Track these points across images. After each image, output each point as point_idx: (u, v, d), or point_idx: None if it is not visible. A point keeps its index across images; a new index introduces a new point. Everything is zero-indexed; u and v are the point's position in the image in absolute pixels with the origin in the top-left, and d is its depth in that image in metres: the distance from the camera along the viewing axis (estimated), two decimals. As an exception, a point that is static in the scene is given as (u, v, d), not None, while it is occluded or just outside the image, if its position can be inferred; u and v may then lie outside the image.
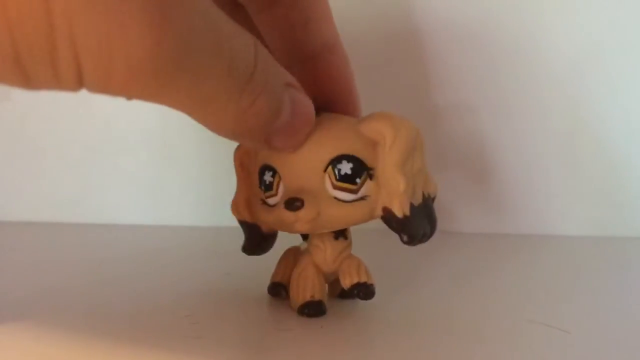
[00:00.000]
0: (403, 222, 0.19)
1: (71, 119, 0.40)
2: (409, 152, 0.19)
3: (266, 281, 0.23)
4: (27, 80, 0.12)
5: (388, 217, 0.19)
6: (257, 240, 0.22)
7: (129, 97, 0.13)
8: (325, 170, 0.19)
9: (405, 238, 0.19)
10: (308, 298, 0.21)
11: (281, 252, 0.23)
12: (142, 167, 0.40)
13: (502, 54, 0.36)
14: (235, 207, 0.22)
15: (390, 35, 0.36)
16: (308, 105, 0.18)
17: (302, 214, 0.18)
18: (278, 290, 0.22)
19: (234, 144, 0.21)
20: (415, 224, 0.19)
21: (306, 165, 0.19)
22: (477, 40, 0.36)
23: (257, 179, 0.21)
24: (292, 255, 0.23)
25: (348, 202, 0.19)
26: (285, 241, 0.23)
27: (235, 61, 0.15)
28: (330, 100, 0.21)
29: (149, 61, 0.12)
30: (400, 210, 0.19)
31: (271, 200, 0.20)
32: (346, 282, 0.20)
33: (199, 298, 0.23)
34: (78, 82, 0.12)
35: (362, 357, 0.18)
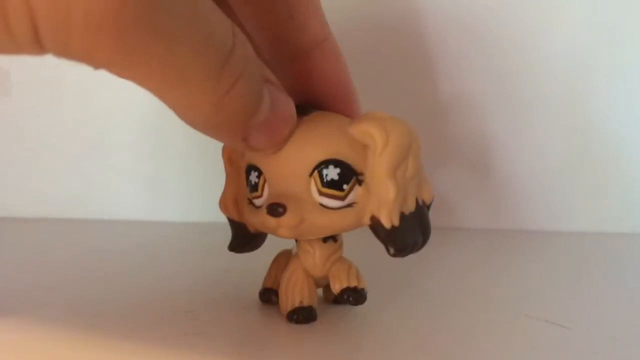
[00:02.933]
0: (390, 233, 0.18)
1: (70, 116, 0.40)
2: (400, 158, 0.18)
3: None
4: None
5: (376, 227, 0.18)
6: (243, 239, 0.21)
7: (95, 64, 0.12)
8: (311, 175, 0.18)
9: (392, 251, 0.18)
10: (297, 304, 0.20)
11: (276, 253, 0.22)
12: (141, 163, 0.40)
13: (504, 49, 0.35)
14: (223, 204, 0.21)
15: (392, 31, 0.36)
16: (288, 104, 0.17)
17: (285, 220, 0.17)
18: (268, 296, 0.22)
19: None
20: (405, 235, 0.18)
21: (291, 168, 0.18)
22: (480, 35, 0.35)
23: (244, 178, 0.20)
24: (284, 260, 0.22)
25: (334, 209, 0.18)
26: (279, 243, 0.22)
27: (213, 35, 0.13)
28: (324, 99, 0.20)
29: (111, 17, 0.11)
30: (388, 220, 0.17)
31: (257, 202, 0.19)
32: (335, 287, 0.20)
33: (199, 294, 0.23)
34: (36, 41, 0.11)
35: (363, 351, 0.18)
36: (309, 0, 0.19)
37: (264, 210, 0.18)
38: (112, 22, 0.11)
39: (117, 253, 0.31)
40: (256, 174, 0.19)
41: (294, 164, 0.18)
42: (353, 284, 0.19)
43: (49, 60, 0.13)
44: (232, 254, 0.21)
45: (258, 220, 0.19)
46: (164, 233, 0.37)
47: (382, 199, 0.18)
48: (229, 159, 0.21)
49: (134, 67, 0.12)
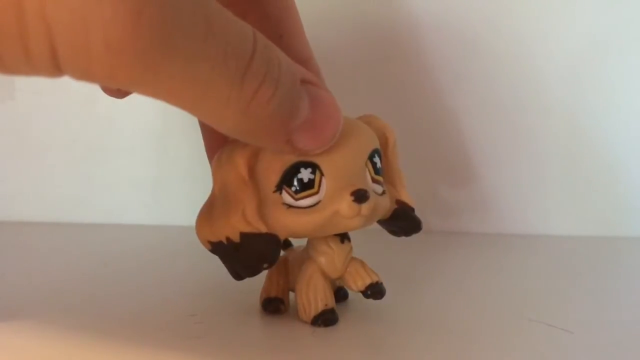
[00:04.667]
0: (413, 210, 0.21)
1: (73, 120, 0.40)
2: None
3: None
4: (1, 64, 0.11)
5: (402, 209, 0.21)
6: (278, 252, 0.19)
7: (116, 84, 0.12)
8: (366, 164, 0.19)
9: (421, 223, 0.21)
10: (322, 308, 0.20)
11: None
12: (145, 167, 0.40)
13: (499, 56, 0.36)
14: (240, 220, 0.18)
15: (391, 43, 0.36)
16: (329, 100, 0.17)
17: (366, 207, 0.18)
18: (275, 305, 0.21)
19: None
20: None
21: (352, 158, 0.18)
22: (474, 42, 0.36)
23: (269, 183, 0.18)
24: (282, 266, 0.21)
25: (381, 195, 0.19)
26: None
27: (232, 46, 0.13)
28: None
29: (129, 39, 0.11)
30: (410, 200, 0.21)
31: (306, 201, 0.18)
32: (358, 285, 0.20)
33: (203, 298, 0.23)
34: (54, 65, 0.11)
35: (368, 357, 0.18)
36: (295, 23, 0.20)
37: (342, 199, 0.18)
38: (131, 44, 0.11)
39: (121, 257, 0.31)
40: (309, 170, 0.18)
41: (355, 155, 0.19)
42: (375, 279, 0.20)
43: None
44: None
45: (318, 217, 0.18)
46: (167, 236, 0.37)
47: (400, 185, 0.21)
48: (248, 165, 0.18)
49: (155, 85, 0.13)
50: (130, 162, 0.40)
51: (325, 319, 0.20)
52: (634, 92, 0.35)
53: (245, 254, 0.18)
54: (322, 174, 0.18)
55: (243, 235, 0.18)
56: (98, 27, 0.11)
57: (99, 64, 0.11)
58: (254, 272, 0.19)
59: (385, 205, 0.20)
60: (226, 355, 0.18)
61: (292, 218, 0.18)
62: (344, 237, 0.20)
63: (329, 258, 0.20)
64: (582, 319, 0.21)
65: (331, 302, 0.20)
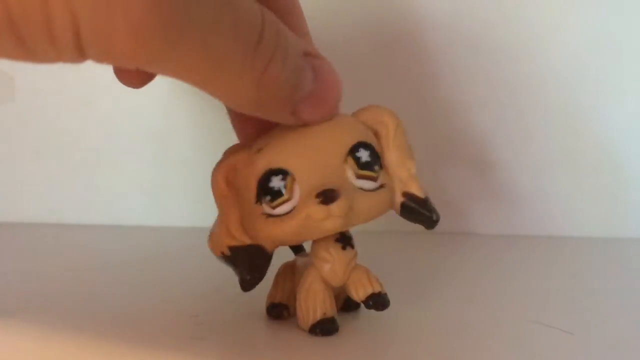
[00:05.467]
0: (425, 202, 0.19)
1: (74, 121, 0.40)
2: (407, 139, 0.19)
3: (271, 284, 0.22)
4: (24, 47, 0.11)
5: (410, 202, 0.19)
6: (265, 263, 0.19)
7: (136, 63, 0.13)
8: (345, 161, 0.18)
9: (434, 216, 0.19)
10: (320, 316, 0.19)
11: (279, 263, 0.21)
12: (145, 168, 0.40)
13: (508, 53, 0.35)
14: (225, 233, 0.19)
15: (393, 35, 0.36)
16: (332, 72, 0.18)
17: (337, 207, 0.17)
18: (279, 311, 0.21)
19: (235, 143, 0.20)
20: (434, 206, 0.19)
21: (326, 157, 0.18)
22: (482, 38, 0.35)
23: (250, 195, 0.18)
24: (290, 272, 0.21)
25: (371, 192, 0.18)
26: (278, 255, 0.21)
27: (243, 20, 0.14)
28: None
29: (152, 16, 0.12)
30: (420, 191, 0.19)
31: (282, 209, 0.18)
32: (359, 294, 0.19)
33: (205, 299, 0.23)
34: (78, 48, 0.12)
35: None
36: (298, 19, 0.20)
37: (309, 202, 0.17)
38: (153, 20, 0.12)
39: (122, 258, 0.31)
40: (279, 177, 0.18)
41: (329, 153, 0.18)
42: (377, 289, 0.19)
43: (53, 65, 0.13)
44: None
45: (293, 224, 0.18)
46: (169, 238, 0.37)
47: (406, 175, 0.19)
48: (226, 180, 0.19)
49: (173, 62, 0.13)
50: (131, 163, 0.40)
51: (324, 328, 0.19)
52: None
53: (237, 266, 0.19)
54: (294, 179, 0.18)
55: (230, 248, 0.19)
56: (120, 9, 0.11)
57: (121, 44, 0.12)
58: (251, 283, 0.19)
59: (380, 201, 0.18)
60: (227, 356, 0.18)
61: (271, 227, 0.18)
62: (345, 244, 0.19)
63: (329, 265, 0.19)
64: (584, 321, 0.21)
65: (331, 311, 0.19)
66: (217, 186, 0.19)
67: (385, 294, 0.19)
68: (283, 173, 0.18)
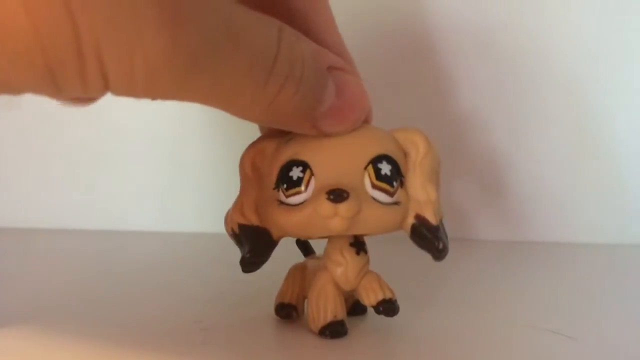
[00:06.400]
0: (436, 230, 0.18)
1: (81, 127, 0.40)
2: (437, 166, 0.19)
3: (276, 289, 0.22)
4: (58, 90, 0.13)
5: (420, 225, 0.18)
6: (266, 246, 0.19)
7: (153, 98, 0.14)
8: (365, 168, 0.18)
9: (440, 245, 0.18)
10: (330, 318, 0.19)
11: (283, 266, 0.22)
12: (150, 173, 0.40)
13: (514, 64, 0.36)
14: (238, 211, 0.19)
15: (407, 49, 0.36)
16: (357, 85, 0.18)
17: (345, 207, 0.17)
18: (288, 311, 0.21)
19: (243, 150, 0.20)
20: (445, 235, 0.19)
21: (348, 160, 0.18)
22: (490, 48, 0.36)
23: (270, 181, 0.19)
24: (300, 274, 0.21)
25: (384, 205, 0.18)
26: (288, 256, 0.21)
27: (256, 55, 0.15)
28: None
29: (166, 62, 0.13)
30: (433, 217, 0.18)
31: (295, 199, 0.18)
32: (370, 300, 0.19)
33: (208, 305, 0.23)
34: (105, 89, 0.13)
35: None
36: (324, 16, 0.20)
37: (319, 198, 0.17)
38: (167, 65, 0.13)
39: (127, 263, 0.31)
40: (300, 168, 0.18)
41: (351, 157, 0.18)
42: (388, 295, 0.19)
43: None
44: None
45: (301, 215, 0.18)
46: (175, 243, 0.37)
47: (425, 199, 0.19)
48: (253, 164, 0.20)
49: (186, 97, 0.14)
50: (138, 168, 0.40)
51: (333, 330, 0.19)
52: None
53: (241, 244, 0.19)
54: (312, 173, 0.18)
55: (239, 226, 0.19)
56: (141, 58, 0.12)
57: (140, 85, 0.13)
58: (249, 262, 0.19)
59: (390, 217, 0.18)
60: (232, 362, 0.18)
61: (280, 214, 0.18)
62: (359, 249, 0.19)
63: (342, 269, 0.19)
64: (585, 326, 0.21)
65: (341, 314, 0.19)
66: (244, 167, 0.20)
67: (396, 300, 0.19)
68: (304, 165, 0.18)
